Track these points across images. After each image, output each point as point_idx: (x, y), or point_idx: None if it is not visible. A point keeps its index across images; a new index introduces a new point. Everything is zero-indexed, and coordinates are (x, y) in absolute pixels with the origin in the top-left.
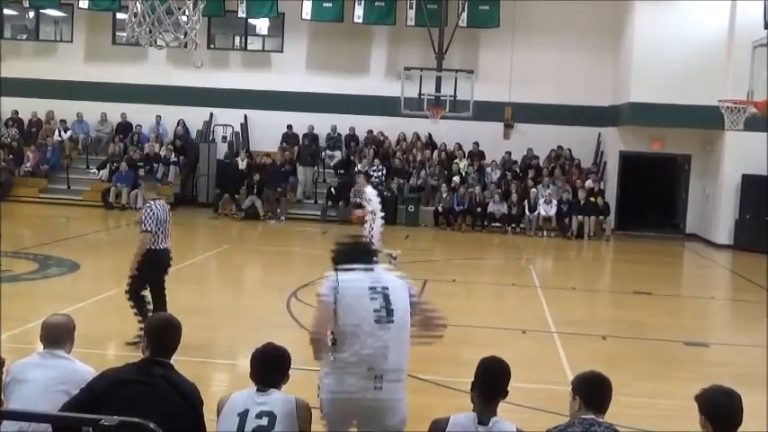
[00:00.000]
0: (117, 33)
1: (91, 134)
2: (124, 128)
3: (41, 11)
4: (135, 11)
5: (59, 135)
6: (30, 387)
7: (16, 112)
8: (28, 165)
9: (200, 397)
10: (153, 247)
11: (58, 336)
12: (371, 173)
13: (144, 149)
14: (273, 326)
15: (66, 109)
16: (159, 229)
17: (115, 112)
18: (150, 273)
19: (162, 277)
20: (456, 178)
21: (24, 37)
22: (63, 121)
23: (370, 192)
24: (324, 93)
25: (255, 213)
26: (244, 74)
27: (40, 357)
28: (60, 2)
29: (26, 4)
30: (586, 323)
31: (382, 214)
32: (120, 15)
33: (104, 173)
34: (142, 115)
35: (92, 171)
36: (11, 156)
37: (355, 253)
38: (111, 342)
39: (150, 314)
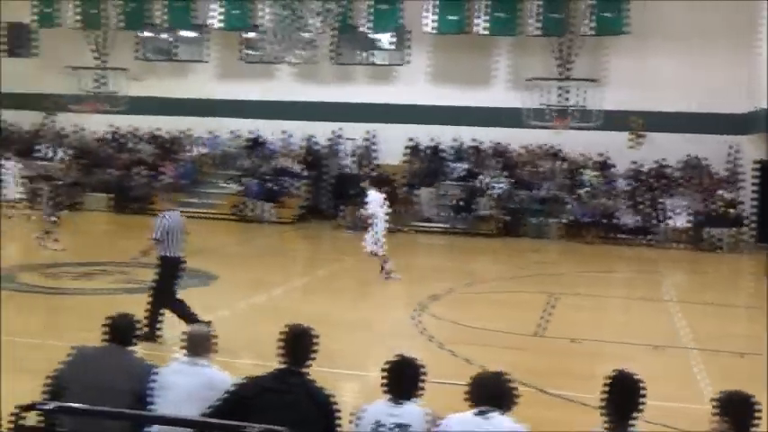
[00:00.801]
0: (246, 52)
1: (223, 149)
2: (254, 143)
3: (176, 32)
4: (267, 29)
5: (195, 150)
6: (174, 393)
7: (158, 129)
8: (165, 179)
9: (335, 406)
10: (165, 255)
11: (199, 344)
12: (493, 184)
13: (273, 164)
14: (400, 337)
15: (200, 125)
16: (171, 237)
17: (246, 127)
18: (168, 278)
19: (166, 280)
20: (583, 189)
21: (161, 58)
22: (198, 138)
23: (371, 196)
24: (447, 105)
25: None
26: (368, 88)
27: (183, 365)
28: (194, 23)
29: (162, 27)
30: (721, 339)
31: (386, 218)
32: (247, 34)
33: (236, 187)
34: (271, 130)
35: (225, 185)
36: (149, 171)
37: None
38: (245, 351)
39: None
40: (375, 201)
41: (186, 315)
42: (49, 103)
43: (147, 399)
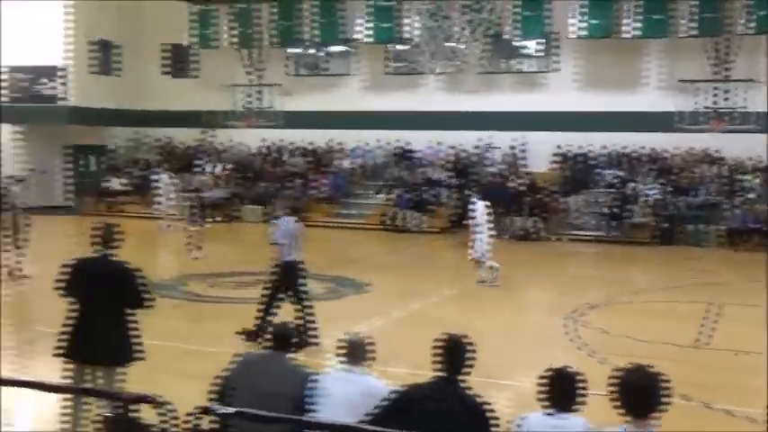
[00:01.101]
0: (393, 64)
1: (373, 160)
2: (403, 153)
3: (325, 48)
4: (414, 41)
5: (345, 162)
6: (332, 401)
7: (310, 143)
8: (318, 191)
9: (491, 416)
10: (283, 259)
11: (357, 353)
12: (646, 191)
13: (422, 173)
14: (552, 346)
15: (350, 137)
16: (287, 242)
17: (395, 138)
18: (281, 282)
19: (296, 286)
20: (743, 194)
21: (311, 72)
22: (348, 149)
23: (477, 205)
24: (596, 111)
25: (527, 234)
26: (515, 96)
27: (341, 372)
28: (342, 38)
29: (312, 43)
30: None
31: (490, 225)
32: (394, 47)
33: (385, 197)
34: (420, 141)
35: (377, 195)
36: (301, 183)
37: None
38: (397, 359)
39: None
40: (480, 209)
41: (262, 322)
42: (207, 120)
43: (305, 405)
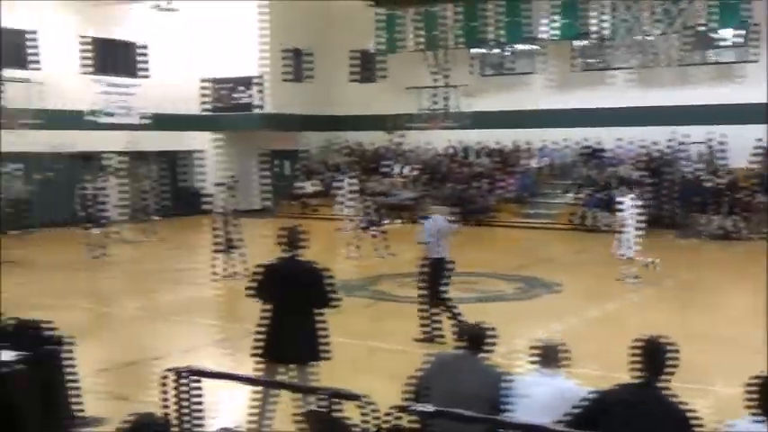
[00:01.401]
0: (580, 60)
1: (560, 159)
2: (591, 152)
3: (510, 47)
4: (603, 36)
5: (532, 162)
6: (528, 402)
7: (497, 143)
8: (506, 191)
9: (693, 422)
10: (431, 256)
11: (551, 356)
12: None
13: (611, 172)
14: (755, 353)
15: (537, 137)
16: (435, 240)
17: (582, 136)
18: (435, 278)
19: (439, 282)
20: None
21: (498, 72)
22: (535, 149)
23: (625, 200)
24: None
25: (726, 234)
26: (710, 88)
27: (536, 375)
28: (527, 36)
29: (497, 42)
30: None
31: (638, 220)
32: (581, 43)
33: (573, 196)
34: (609, 138)
35: (565, 195)
36: (488, 183)
37: None
38: (589, 360)
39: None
40: (627, 204)
41: (453, 313)
42: (394, 123)
43: (501, 406)
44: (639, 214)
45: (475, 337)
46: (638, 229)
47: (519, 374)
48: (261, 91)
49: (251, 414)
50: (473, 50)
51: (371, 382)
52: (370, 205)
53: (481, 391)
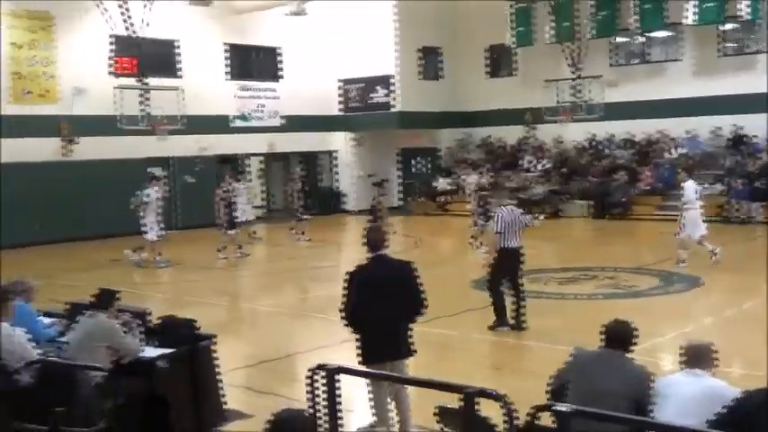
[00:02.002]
0: (724, 45)
1: (703, 149)
2: (737, 140)
3: (649, 34)
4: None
5: (672, 152)
6: (674, 402)
7: (631, 135)
8: (644, 184)
9: None
10: (503, 246)
11: (698, 356)
12: None
13: (760, 161)
14: None
15: (676, 126)
16: (507, 230)
17: (727, 124)
18: (501, 268)
19: (515, 272)
20: None
21: (636, 61)
22: (673, 139)
23: (686, 185)
24: None
25: None
26: None
27: (683, 376)
28: (666, 23)
29: (636, 30)
30: None
31: (700, 203)
32: (724, 27)
33: (719, 187)
34: (756, 125)
35: (709, 186)
36: (626, 175)
37: None
38: (733, 359)
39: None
40: (689, 189)
41: (498, 308)
42: (529, 117)
43: (646, 406)
44: (699, 199)
45: (619, 335)
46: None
47: (663, 373)
48: (394, 90)
49: (376, 413)
50: (610, 40)
51: (501, 377)
52: (486, 200)
53: (626, 391)
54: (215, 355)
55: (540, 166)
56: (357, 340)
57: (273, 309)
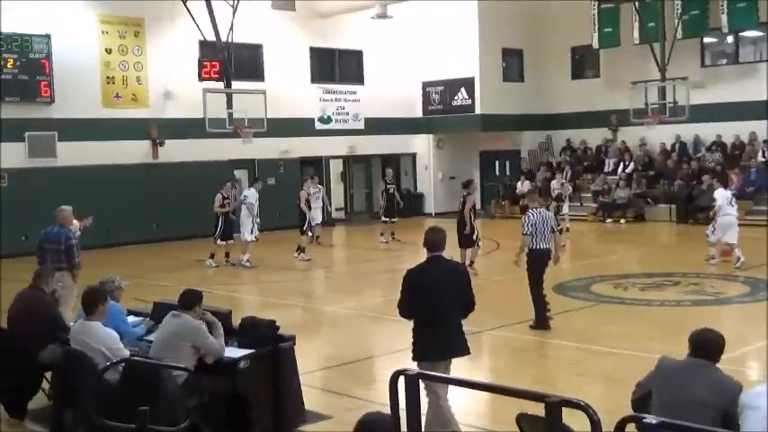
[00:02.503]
0: None
1: None
2: None
3: (738, 34)
4: None
5: (762, 156)
6: (761, 415)
7: (719, 137)
8: (733, 187)
9: None
10: (532, 248)
11: None
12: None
13: None
14: None
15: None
16: (536, 232)
17: None
18: (532, 269)
19: (542, 272)
20: None
21: (724, 62)
22: (765, 142)
23: (717, 193)
24: None
25: None
26: None
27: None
28: (758, 22)
29: (725, 30)
30: None
31: (729, 210)
32: None
33: None
34: None
35: None
36: (713, 179)
37: None
38: None
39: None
40: (720, 197)
41: (537, 304)
42: (614, 119)
43: (735, 418)
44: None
45: (706, 344)
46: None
47: (751, 384)
48: (476, 93)
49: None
50: (698, 40)
51: (585, 384)
52: (555, 204)
53: (713, 402)
54: (295, 356)
55: (626, 169)
56: (413, 337)
57: (352, 311)
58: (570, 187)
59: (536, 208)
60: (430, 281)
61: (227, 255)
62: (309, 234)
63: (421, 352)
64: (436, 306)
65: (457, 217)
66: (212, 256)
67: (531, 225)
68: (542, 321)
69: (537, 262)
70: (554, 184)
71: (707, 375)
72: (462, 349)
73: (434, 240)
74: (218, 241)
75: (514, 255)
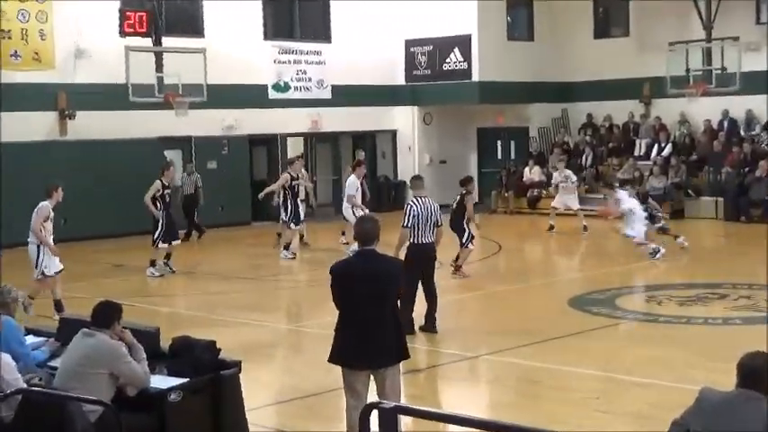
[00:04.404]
0: None
1: None
2: None
3: None
4: None
5: None
6: None
7: None
8: None
9: None
10: (414, 242)
11: None
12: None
13: None
14: None
15: None
16: (418, 224)
17: None
18: (413, 267)
19: (428, 270)
20: None
21: None
22: None
23: (620, 194)
24: None
25: None
26: None
27: None
28: None
29: None
30: None
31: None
32: None
33: None
34: None
35: None
36: None
37: None
38: None
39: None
40: (624, 198)
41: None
42: (647, 90)
43: None
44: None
45: (757, 372)
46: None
47: None
48: (473, 54)
49: None
50: None
51: (610, 423)
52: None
53: None
54: (241, 386)
55: (658, 153)
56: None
57: (313, 330)
58: (574, 178)
59: (421, 197)
60: (356, 278)
61: (167, 256)
62: (293, 227)
63: (339, 353)
64: (361, 306)
65: (450, 216)
66: (153, 264)
67: (413, 217)
68: (410, 326)
69: (417, 259)
70: (556, 176)
71: (759, 410)
72: (392, 356)
73: (365, 231)
74: (161, 244)
75: (393, 252)
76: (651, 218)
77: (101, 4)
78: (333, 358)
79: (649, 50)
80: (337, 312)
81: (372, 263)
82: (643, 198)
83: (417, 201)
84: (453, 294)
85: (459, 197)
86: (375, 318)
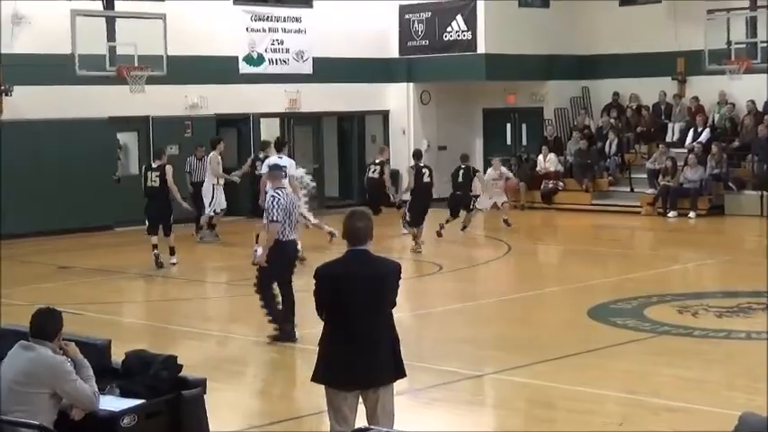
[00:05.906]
0: None
1: None
2: None
3: None
4: None
5: None
6: None
7: None
8: None
9: None
10: (281, 239)
11: None
12: None
13: None
14: None
15: None
16: (285, 219)
17: None
18: (278, 266)
19: (290, 270)
20: None
21: None
22: None
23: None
24: None
25: None
26: None
27: None
28: None
29: None
30: None
31: None
32: None
33: None
34: None
35: None
36: None
37: None
38: None
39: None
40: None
41: (270, 309)
42: (682, 66)
43: None
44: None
45: None
46: None
47: None
48: (478, 23)
49: None
50: None
51: None
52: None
53: None
54: (205, 409)
55: (694, 139)
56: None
57: (290, 343)
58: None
59: (281, 188)
60: (347, 282)
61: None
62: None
63: (324, 371)
64: (352, 315)
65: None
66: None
67: (282, 210)
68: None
69: (284, 257)
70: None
71: None
72: (387, 373)
73: (355, 230)
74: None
75: (262, 252)
76: None
77: None
78: (317, 377)
79: (684, 19)
80: (322, 323)
81: (366, 265)
82: None
83: (281, 193)
84: (454, 302)
85: (464, 169)
86: (368, 329)
